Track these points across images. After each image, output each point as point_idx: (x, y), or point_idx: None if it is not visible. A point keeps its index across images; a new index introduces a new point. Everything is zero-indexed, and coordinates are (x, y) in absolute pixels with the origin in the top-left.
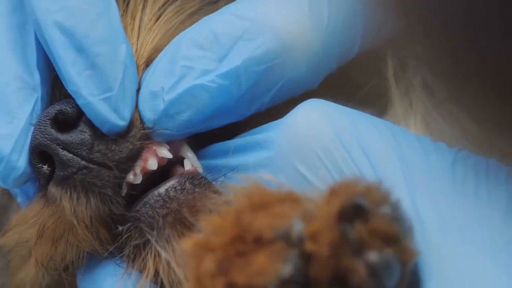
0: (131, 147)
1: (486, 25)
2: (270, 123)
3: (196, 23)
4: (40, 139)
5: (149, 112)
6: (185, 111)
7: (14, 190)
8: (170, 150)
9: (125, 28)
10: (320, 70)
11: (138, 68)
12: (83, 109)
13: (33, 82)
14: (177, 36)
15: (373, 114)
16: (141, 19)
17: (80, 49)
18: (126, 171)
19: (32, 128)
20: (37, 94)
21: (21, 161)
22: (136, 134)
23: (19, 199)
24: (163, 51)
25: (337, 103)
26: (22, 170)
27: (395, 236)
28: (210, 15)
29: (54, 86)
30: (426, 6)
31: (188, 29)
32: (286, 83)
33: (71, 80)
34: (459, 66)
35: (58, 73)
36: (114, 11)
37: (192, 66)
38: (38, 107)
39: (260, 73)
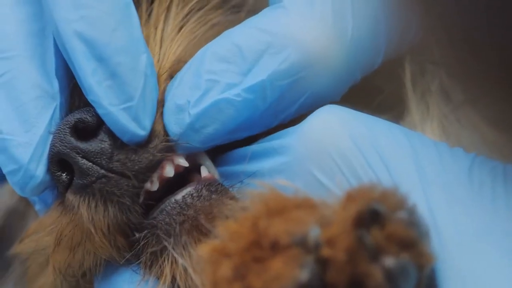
0: (151, 158)
1: (509, 24)
2: (287, 129)
3: (219, 37)
4: (60, 147)
5: (174, 126)
6: (211, 124)
7: (32, 198)
8: (187, 158)
9: (147, 38)
10: (344, 82)
11: (159, 78)
12: (104, 118)
13: (52, 90)
14: (200, 50)
15: (389, 120)
16: (163, 29)
17: (100, 58)
18: (145, 181)
19: (51, 136)
20: (56, 102)
21: (40, 170)
22: (157, 145)
23: (37, 207)
24: (187, 64)
25: (354, 109)
26: (40, 179)
27: (411, 241)
28: (233, 28)
29: (74, 94)
30: (448, 5)
31: (211, 42)
32: (310, 95)
33: (92, 89)
34: (480, 66)
35: (78, 82)
36: (135, 20)
37: (217, 80)
38: (57, 115)
39: (285, 86)
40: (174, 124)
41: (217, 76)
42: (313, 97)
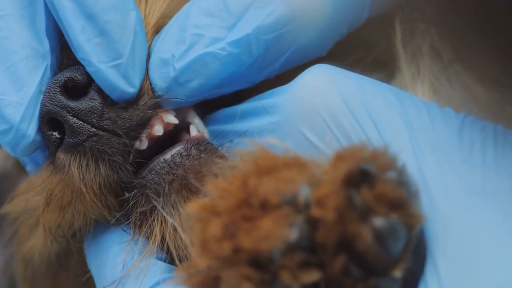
0: (141, 115)
1: None
2: (276, 88)
3: None
4: (50, 106)
5: (159, 80)
6: (196, 78)
7: (23, 159)
8: (176, 116)
9: None
10: (330, 36)
11: (146, 35)
12: (93, 76)
13: (43, 49)
14: (186, 4)
15: (380, 80)
16: None
17: (89, 16)
18: (135, 139)
19: (42, 95)
20: (47, 61)
21: (31, 129)
22: (147, 103)
23: (28, 168)
24: (172, 19)
25: (345, 68)
26: (31, 138)
27: (401, 201)
28: None
29: (63, 53)
30: None
31: None
32: (296, 50)
33: (80, 47)
34: (465, 22)
35: (67, 40)
36: None
37: (202, 34)
38: (48, 74)
39: (270, 40)
40: (159, 78)
41: (202, 30)
42: (299, 52)
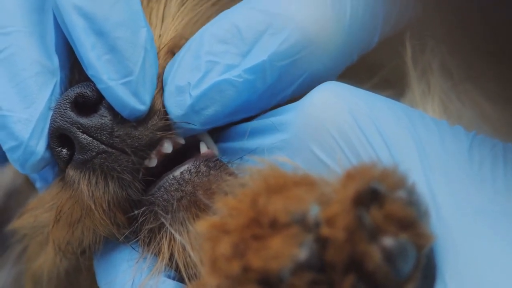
0: (151, 135)
1: None
2: (286, 106)
3: (217, 17)
4: (60, 122)
5: (175, 108)
6: (211, 106)
7: (33, 176)
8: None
9: (149, 14)
10: (342, 62)
11: (159, 53)
12: (103, 93)
13: (52, 66)
14: (199, 31)
15: (390, 97)
16: (165, 6)
17: (99, 33)
18: (144, 158)
19: (51, 112)
20: (56, 78)
21: (40, 146)
22: (157, 123)
23: (38, 185)
24: (185, 46)
25: (354, 85)
26: (40, 155)
27: (410, 220)
28: (232, 8)
29: (74, 69)
30: None
31: (210, 23)
32: (308, 76)
33: (91, 64)
34: (474, 42)
35: (78, 57)
36: None
37: (217, 61)
38: (57, 91)
39: (284, 67)
40: (175, 106)
41: (217, 57)
42: (311, 78)
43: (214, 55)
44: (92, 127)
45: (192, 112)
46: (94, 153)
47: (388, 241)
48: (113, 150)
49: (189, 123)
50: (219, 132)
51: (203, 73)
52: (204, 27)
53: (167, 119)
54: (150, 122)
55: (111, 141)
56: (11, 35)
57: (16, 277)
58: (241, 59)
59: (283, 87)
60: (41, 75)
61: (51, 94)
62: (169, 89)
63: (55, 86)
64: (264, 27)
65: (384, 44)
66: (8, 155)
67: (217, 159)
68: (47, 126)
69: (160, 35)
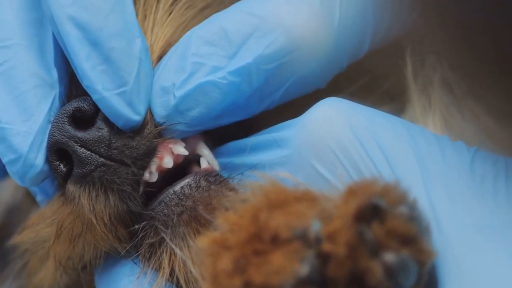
0: (148, 144)
1: (503, 10)
2: (287, 122)
3: (206, 20)
4: (58, 136)
5: (159, 108)
6: (196, 107)
7: (33, 189)
8: (186, 147)
9: (142, 23)
10: (330, 68)
11: (152, 63)
12: (98, 103)
13: (51, 79)
14: (186, 33)
15: (391, 113)
16: (154, 14)
17: (94, 43)
18: (144, 168)
19: (50, 125)
20: (55, 91)
21: (39, 159)
22: (152, 131)
23: (38, 198)
24: (172, 48)
25: (355, 101)
26: (40, 168)
27: (412, 236)
28: (220, 12)
29: (71, 83)
30: None
31: (198, 26)
32: (296, 80)
33: (85, 74)
34: (477, 56)
35: (72, 67)
36: (129, 5)
37: (203, 63)
38: (56, 104)
39: (271, 70)
40: (160, 106)
41: (203, 59)
42: (299, 83)
43: (200, 56)
44: (89, 140)
45: (176, 112)
46: (93, 167)
47: (389, 256)
48: (112, 163)
49: (175, 124)
50: (220, 147)
51: (188, 74)
52: (192, 29)
53: (159, 126)
54: (146, 130)
55: (110, 153)
56: (10, 49)
57: None
58: (227, 61)
59: (270, 91)
60: (40, 88)
61: (50, 107)
62: (154, 89)
63: (54, 99)
64: (251, 30)
65: (384, 59)
66: (8, 168)
67: (218, 174)
68: (46, 139)
69: (150, 45)
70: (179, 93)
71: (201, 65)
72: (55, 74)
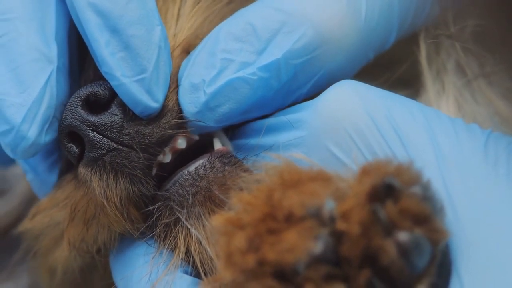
0: (162, 133)
1: None
2: (302, 103)
3: (233, 15)
4: (70, 120)
5: (190, 105)
6: (226, 103)
7: (24, 167)
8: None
9: (165, 13)
10: (357, 61)
11: (173, 52)
12: (116, 90)
13: (50, 53)
14: (214, 29)
15: (405, 96)
16: (180, 5)
17: (114, 30)
18: (156, 155)
19: (47, 97)
20: (53, 66)
21: (32, 131)
22: (170, 121)
23: (29, 176)
24: (201, 43)
25: (370, 84)
26: (32, 140)
27: (425, 216)
28: (247, 7)
29: (89, 67)
30: None
31: (226, 21)
32: (324, 74)
33: (105, 61)
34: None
35: (91, 54)
36: None
37: (232, 59)
38: (53, 78)
39: (299, 65)
40: (190, 103)
41: (232, 55)
42: (326, 76)
43: (229, 52)
44: (102, 125)
45: (206, 109)
46: (104, 151)
47: (403, 236)
48: (123, 147)
49: (203, 122)
50: (235, 129)
51: (217, 70)
52: (219, 25)
53: (181, 118)
54: (162, 120)
55: (121, 139)
56: (10, 22)
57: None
58: (256, 57)
59: (298, 86)
60: (38, 62)
61: (47, 81)
62: (183, 86)
63: (51, 73)
64: (279, 26)
65: (398, 44)
66: (0, 139)
67: (232, 155)
68: (41, 111)
69: (175, 35)
70: (210, 89)
71: (231, 61)
72: (54, 48)
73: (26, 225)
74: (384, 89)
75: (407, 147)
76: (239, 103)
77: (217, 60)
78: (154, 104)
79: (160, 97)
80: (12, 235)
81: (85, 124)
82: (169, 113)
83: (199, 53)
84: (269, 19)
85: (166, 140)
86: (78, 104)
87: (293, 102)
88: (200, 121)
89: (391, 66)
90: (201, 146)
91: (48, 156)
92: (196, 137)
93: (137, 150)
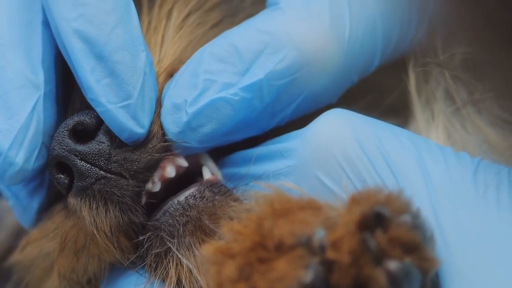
0: (149, 157)
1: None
2: (292, 133)
3: (217, 37)
4: (58, 150)
5: (172, 125)
6: (208, 123)
7: (5, 194)
8: (189, 159)
9: (149, 39)
10: (341, 83)
11: (158, 78)
12: (102, 116)
13: (37, 80)
14: (198, 50)
15: (395, 125)
16: (164, 30)
17: (99, 56)
18: (145, 181)
19: (33, 124)
20: (40, 92)
21: (19, 157)
22: (156, 146)
23: (10, 203)
24: (184, 65)
25: (360, 113)
26: (19, 166)
27: (415, 244)
28: (231, 29)
29: (76, 97)
30: None
31: (209, 43)
32: (307, 96)
33: (90, 87)
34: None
35: (77, 80)
36: (134, 19)
37: (214, 79)
38: (40, 105)
39: (282, 86)
40: (171, 123)
41: (215, 76)
42: (310, 98)
43: (212, 73)
44: (89, 153)
45: (188, 129)
46: (93, 180)
47: (393, 264)
48: (112, 175)
49: (186, 142)
50: (224, 157)
51: (200, 91)
52: (203, 46)
53: (166, 141)
54: (149, 144)
55: (109, 167)
56: None
57: None
58: (239, 78)
59: (282, 107)
60: (24, 88)
61: (34, 107)
62: (165, 106)
63: (38, 99)
64: (262, 47)
65: (388, 72)
66: None
67: (222, 185)
68: (28, 138)
69: (159, 60)
70: (191, 109)
71: (213, 82)
72: (41, 75)
73: (16, 256)
74: (374, 117)
75: (396, 175)
76: (222, 123)
77: (199, 80)
78: (139, 130)
79: (146, 122)
80: (2, 268)
81: (73, 154)
82: (155, 137)
83: (182, 74)
84: (253, 40)
85: (154, 165)
86: (65, 134)
87: (277, 124)
88: (183, 142)
89: (381, 95)
90: (190, 175)
91: (29, 182)
92: (185, 164)
93: (127, 176)
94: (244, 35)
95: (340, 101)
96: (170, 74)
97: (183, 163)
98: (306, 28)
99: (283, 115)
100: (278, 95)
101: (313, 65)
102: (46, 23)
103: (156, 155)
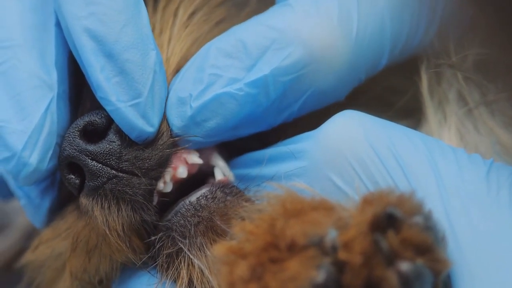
0: (160, 154)
1: None
2: (304, 134)
3: (224, 33)
4: (69, 150)
5: (176, 119)
6: (213, 118)
7: (17, 193)
8: (201, 157)
9: (157, 37)
10: (348, 81)
11: (167, 76)
12: (112, 115)
13: (50, 80)
14: (205, 45)
15: (407, 127)
16: (171, 28)
17: (109, 55)
18: (157, 179)
19: (47, 125)
20: (53, 92)
21: (33, 158)
22: (166, 142)
23: (22, 202)
24: (191, 59)
25: (372, 114)
26: (33, 167)
27: (427, 246)
28: (239, 25)
29: (86, 97)
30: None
31: (216, 38)
32: (313, 93)
33: (100, 86)
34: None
35: (87, 79)
36: (144, 17)
37: (220, 74)
38: (54, 105)
39: (288, 83)
40: (176, 117)
41: (221, 70)
42: (316, 95)
43: (218, 68)
44: (100, 153)
45: (192, 123)
46: (104, 179)
47: (404, 265)
48: (123, 174)
49: (192, 135)
50: (235, 158)
51: (205, 85)
52: (210, 42)
53: (174, 136)
54: (159, 142)
55: (121, 165)
56: (11, 49)
57: None
58: (245, 73)
59: (288, 103)
60: (38, 89)
61: (47, 108)
62: (170, 100)
63: (51, 100)
64: (269, 43)
65: (401, 74)
66: (2, 166)
67: (233, 186)
68: (42, 138)
69: (167, 59)
70: (196, 104)
71: (219, 77)
72: (54, 75)
73: (28, 256)
74: (386, 119)
75: (409, 177)
76: (226, 118)
77: (205, 75)
78: (149, 128)
79: (156, 121)
80: (14, 269)
81: (84, 154)
82: (164, 134)
83: (188, 69)
84: (260, 36)
85: (165, 160)
86: (76, 134)
87: (285, 120)
88: (191, 136)
89: (393, 97)
90: (202, 176)
91: (40, 182)
92: (200, 161)
93: (138, 174)
94: (252, 30)
95: (352, 103)
96: (178, 72)
97: (197, 160)
98: (314, 25)
99: (290, 111)
100: (284, 91)
101: (320, 62)
102: (59, 25)
103: (167, 150)
